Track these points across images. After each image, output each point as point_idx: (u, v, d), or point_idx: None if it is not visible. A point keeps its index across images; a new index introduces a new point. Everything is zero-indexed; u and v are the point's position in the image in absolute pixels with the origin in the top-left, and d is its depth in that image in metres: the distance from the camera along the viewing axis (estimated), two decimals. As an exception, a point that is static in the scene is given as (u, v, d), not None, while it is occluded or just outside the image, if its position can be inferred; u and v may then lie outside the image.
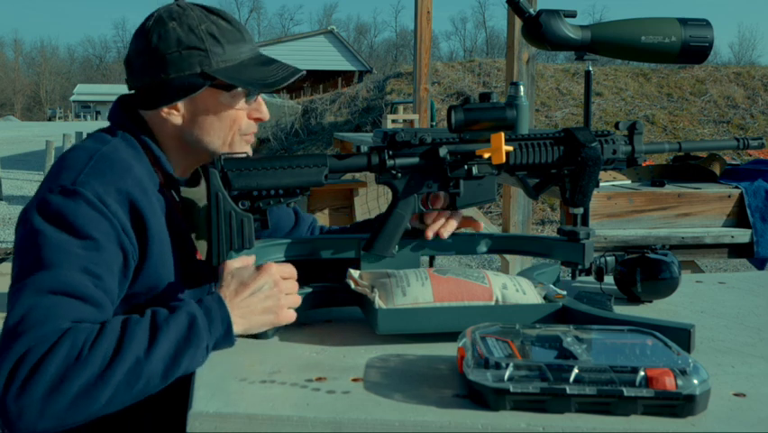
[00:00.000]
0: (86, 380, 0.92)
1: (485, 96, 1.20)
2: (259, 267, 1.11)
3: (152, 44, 1.21)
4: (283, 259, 1.31)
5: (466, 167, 1.24)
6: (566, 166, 1.25)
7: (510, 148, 1.22)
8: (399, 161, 1.23)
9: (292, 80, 1.26)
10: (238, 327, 1.06)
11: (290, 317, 1.12)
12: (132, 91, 1.27)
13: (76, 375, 0.92)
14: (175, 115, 1.24)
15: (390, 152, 1.23)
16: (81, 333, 0.96)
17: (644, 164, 2.90)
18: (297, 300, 1.14)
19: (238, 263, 1.13)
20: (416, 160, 1.24)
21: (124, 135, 1.23)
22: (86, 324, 0.98)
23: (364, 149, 1.28)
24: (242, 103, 1.26)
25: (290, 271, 1.14)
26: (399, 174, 1.24)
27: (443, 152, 1.22)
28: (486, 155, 1.20)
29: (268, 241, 1.29)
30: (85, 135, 1.36)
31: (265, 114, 1.31)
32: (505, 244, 1.39)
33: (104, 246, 1.08)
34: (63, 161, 1.17)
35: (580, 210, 1.26)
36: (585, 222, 1.27)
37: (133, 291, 1.17)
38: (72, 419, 0.92)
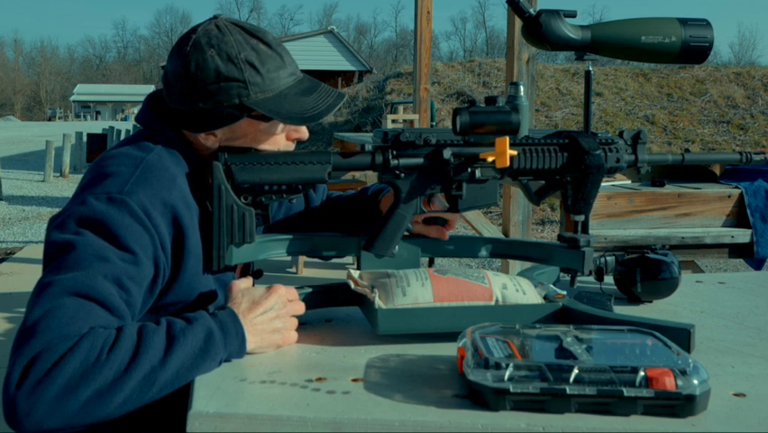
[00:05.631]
0: (100, 384, 0.92)
1: (491, 100, 1.20)
2: (268, 287, 1.12)
3: (190, 71, 1.18)
4: (285, 255, 1.31)
5: (469, 170, 1.24)
6: (569, 173, 1.25)
7: (515, 152, 1.22)
8: (403, 161, 1.23)
9: (333, 111, 1.24)
10: (250, 344, 1.06)
11: (294, 338, 1.13)
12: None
13: (92, 379, 0.92)
14: (212, 139, 1.23)
15: (394, 152, 1.23)
16: (100, 337, 0.96)
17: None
18: (296, 323, 1.14)
19: (244, 284, 1.14)
20: (419, 160, 1.23)
21: (165, 142, 1.22)
22: (103, 329, 0.98)
23: (368, 147, 1.27)
24: (280, 128, 1.24)
25: (294, 293, 1.16)
26: (402, 174, 1.24)
27: (447, 153, 1.22)
28: (490, 159, 1.20)
29: (269, 236, 1.29)
30: (122, 136, 1.34)
31: (304, 134, 1.29)
32: (505, 249, 1.39)
33: (140, 262, 1.08)
34: (106, 167, 1.15)
35: (582, 217, 1.26)
36: (585, 229, 1.27)
37: (164, 303, 1.17)
38: (81, 421, 0.92)
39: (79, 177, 7.20)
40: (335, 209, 1.52)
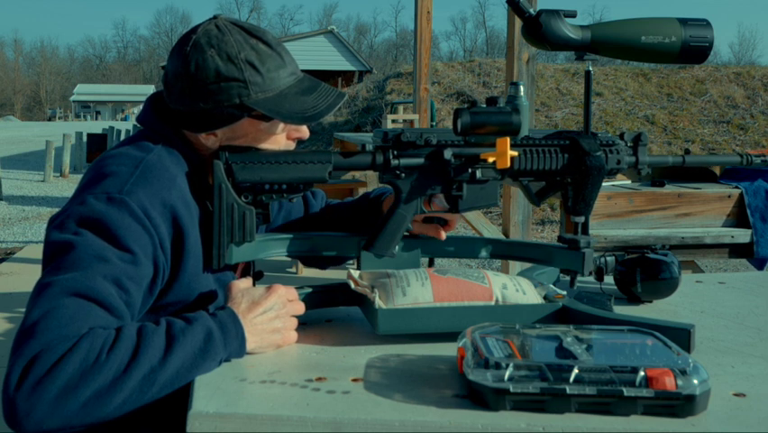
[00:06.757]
0: (100, 385, 0.92)
1: (492, 101, 1.20)
2: (268, 287, 1.12)
3: (191, 71, 1.18)
4: (285, 254, 1.31)
5: (470, 170, 1.24)
6: (570, 174, 1.25)
7: (515, 153, 1.23)
8: (404, 161, 1.23)
9: (333, 111, 1.24)
10: (250, 344, 1.06)
11: (294, 338, 1.13)
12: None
13: (91, 379, 0.92)
14: (213, 139, 1.23)
15: (395, 152, 1.23)
16: (99, 337, 0.96)
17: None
18: (296, 323, 1.14)
19: (244, 284, 1.14)
20: (420, 160, 1.23)
21: (165, 142, 1.22)
22: (103, 330, 0.98)
23: (369, 147, 1.27)
24: (280, 127, 1.24)
25: (294, 293, 1.16)
26: (403, 174, 1.24)
27: (447, 154, 1.22)
28: (491, 159, 1.20)
29: (269, 235, 1.29)
30: (122, 136, 1.33)
31: (305, 133, 1.29)
32: (505, 250, 1.39)
33: (140, 261, 1.08)
34: (105, 167, 1.15)
35: (582, 219, 1.26)
36: (586, 230, 1.27)
37: (164, 303, 1.17)
38: (80, 421, 0.92)
39: (79, 177, 7.19)
40: (337, 215, 1.52)
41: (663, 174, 3.33)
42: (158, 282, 1.13)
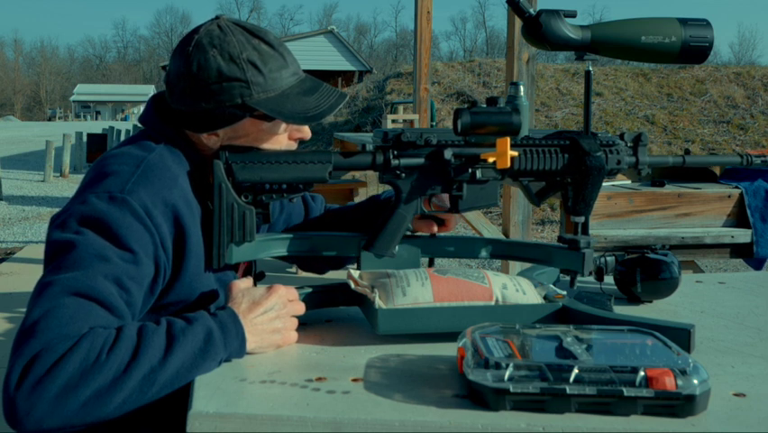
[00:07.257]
0: (100, 384, 0.92)
1: (492, 101, 1.20)
2: (269, 287, 1.12)
3: (192, 71, 1.18)
4: (285, 254, 1.31)
5: (470, 170, 1.24)
6: (570, 174, 1.25)
7: (515, 153, 1.23)
8: (404, 161, 1.23)
9: (335, 111, 1.24)
10: (250, 344, 1.06)
11: (294, 338, 1.13)
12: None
13: (91, 379, 0.92)
14: (214, 139, 1.23)
15: (395, 152, 1.23)
16: (99, 337, 0.96)
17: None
18: (297, 323, 1.14)
19: (244, 284, 1.14)
20: (420, 160, 1.23)
21: (167, 142, 1.22)
22: (103, 329, 0.98)
23: (370, 147, 1.27)
24: (282, 128, 1.24)
25: (294, 293, 1.16)
26: (403, 174, 1.24)
27: (448, 154, 1.22)
28: (491, 159, 1.20)
29: (269, 235, 1.29)
30: (122, 136, 1.33)
31: (306, 133, 1.29)
32: (505, 250, 1.39)
33: (141, 261, 1.08)
34: (107, 166, 1.15)
35: (582, 219, 1.26)
36: (586, 230, 1.27)
37: (166, 302, 1.17)
38: (80, 420, 0.92)
39: (79, 177, 7.21)
40: (339, 219, 1.52)
41: (663, 174, 3.33)
42: (159, 282, 1.13)
